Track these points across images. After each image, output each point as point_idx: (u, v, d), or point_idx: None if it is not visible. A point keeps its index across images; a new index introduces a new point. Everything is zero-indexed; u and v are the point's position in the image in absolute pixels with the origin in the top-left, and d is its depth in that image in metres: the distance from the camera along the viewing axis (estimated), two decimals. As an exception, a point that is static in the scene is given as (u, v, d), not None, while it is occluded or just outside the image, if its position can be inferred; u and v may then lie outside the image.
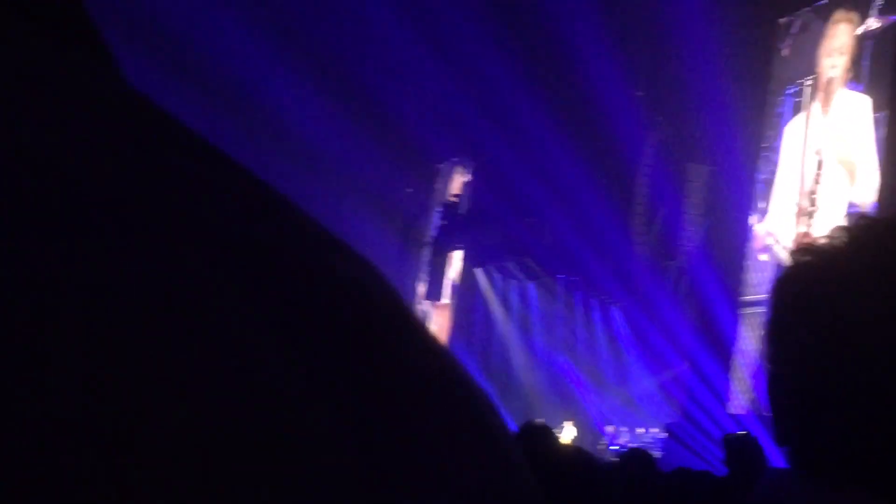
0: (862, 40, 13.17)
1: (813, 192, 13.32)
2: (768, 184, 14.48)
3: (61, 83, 0.29)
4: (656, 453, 17.35)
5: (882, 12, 12.99)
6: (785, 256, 13.64)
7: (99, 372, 0.23)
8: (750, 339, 13.78)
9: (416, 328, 0.34)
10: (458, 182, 24.81)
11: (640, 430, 19.63)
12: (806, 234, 13.32)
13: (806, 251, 1.07)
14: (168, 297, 0.25)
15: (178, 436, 0.23)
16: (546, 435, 4.44)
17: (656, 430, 18.69)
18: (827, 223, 12.97)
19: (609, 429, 19.58)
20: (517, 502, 0.30)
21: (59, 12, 0.35)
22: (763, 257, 14.21)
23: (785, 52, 14.73)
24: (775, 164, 14.39)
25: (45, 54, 0.30)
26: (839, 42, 13.46)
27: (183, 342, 0.24)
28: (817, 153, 13.41)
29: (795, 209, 13.62)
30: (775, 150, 14.46)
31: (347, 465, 0.25)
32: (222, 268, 0.27)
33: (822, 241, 1.07)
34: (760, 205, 14.48)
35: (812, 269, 1.04)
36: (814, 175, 13.38)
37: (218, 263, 0.27)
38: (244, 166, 0.32)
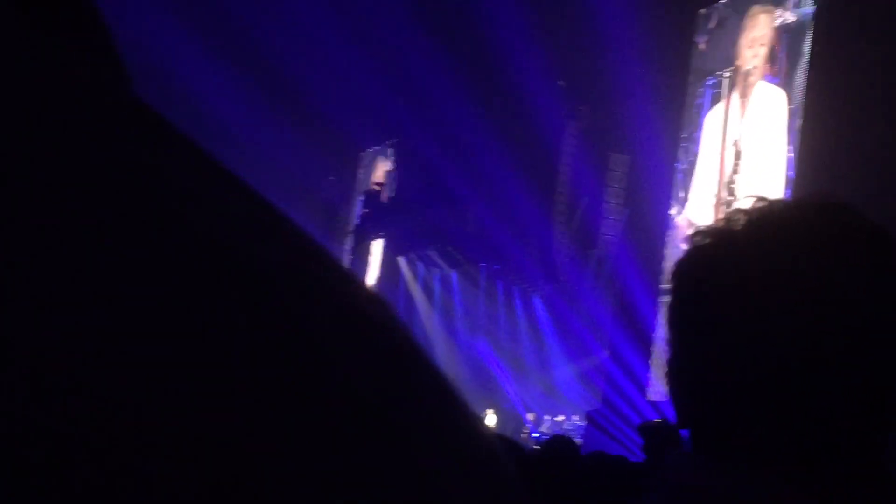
0: (779, 33, 13.38)
1: (731, 183, 13.52)
2: (688, 174, 14.65)
3: (64, 87, 0.29)
4: (577, 441, 17.55)
5: (797, 6, 13.21)
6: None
7: (93, 372, 0.24)
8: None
9: (421, 357, 0.33)
10: (380, 170, 24.78)
11: (561, 418, 19.79)
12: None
13: (705, 234, 1.06)
14: (158, 304, 0.25)
15: (175, 436, 0.24)
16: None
17: (577, 417, 18.84)
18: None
19: (530, 416, 19.71)
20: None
21: (71, 13, 0.34)
22: (683, 247, 14.37)
23: (702, 45, 14.93)
24: (695, 154, 14.57)
25: (51, 55, 0.30)
26: (758, 33, 13.67)
27: (176, 347, 0.25)
28: (735, 144, 13.62)
29: (714, 199, 13.82)
30: (695, 140, 14.64)
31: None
32: (213, 282, 0.27)
33: (721, 223, 1.06)
34: (680, 194, 14.65)
35: (711, 252, 1.04)
36: (732, 165, 13.58)
37: (207, 278, 0.27)
38: (245, 182, 0.31)
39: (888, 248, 1.01)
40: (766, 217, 1.04)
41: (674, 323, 1.07)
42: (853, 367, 0.96)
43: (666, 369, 1.08)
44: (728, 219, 1.06)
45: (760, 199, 1.07)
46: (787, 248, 1.00)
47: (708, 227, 1.08)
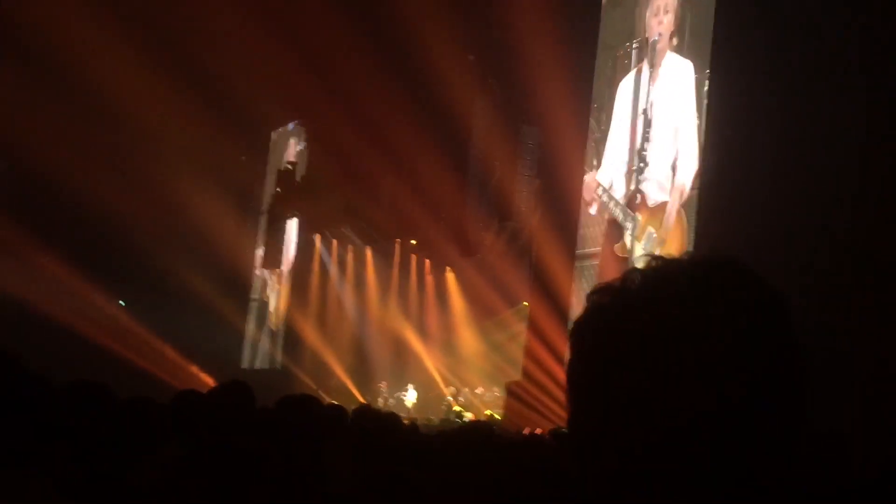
0: (683, 2, 13.55)
1: (643, 150, 13.70)
2: (598, 143, 14.80)
3: None
4: (497, 413, 17.69)
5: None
6: (617, 212, 14.05)
7: None
8: (585, 291, 14.08)
9: None
10: (292, 149, 24.62)
11: (480, 391, 19.92)
12: (636, 192, 13.70)
13: (604, 292, 1.09)
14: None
15: None
16: (384, 419, 4.43)
17: (497, 389, 18.97)
18: (655, 178, 13.39)
19: (450, 390, 19.79)
20: None
21: None
22: (592, 211, 14.55)
23: (604, 17, 15.11)
24: (605, 123, 14.72)
25: None
26: (662, 2, 13.83)
27: None
28: (645, 113, 13.80)
29: (626, 167, 13.99)
30: (605, 109, 14.79)
31: None
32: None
33: (617, 283, 1.09)
34: (593, 162, 14.80)
35: (608, 310, 1.07)
36: (643, 133, 13.76)
37: None
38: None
39: (773, 304, 1.06)
40: (659, 277, 1.08)
41: (572, 380, 1.10)
42: (740, 420, 1.01)
43: (567, 425, 1.11)
44: (625, 278, 1.09)
45: (655, 258, 1.10)
46: (677, 307, 1.04)
47: (605, 285, 1.10)
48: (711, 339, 1.03)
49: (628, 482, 1.04)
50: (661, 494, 1.03)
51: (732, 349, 1.03)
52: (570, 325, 1.14)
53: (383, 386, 21.06)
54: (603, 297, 1.09)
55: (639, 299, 1.07)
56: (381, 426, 4.19)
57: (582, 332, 1.10)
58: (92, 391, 3.54)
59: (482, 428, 4.51)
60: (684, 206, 12.62)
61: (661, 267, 1.09)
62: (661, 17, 13.80)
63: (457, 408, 18.70)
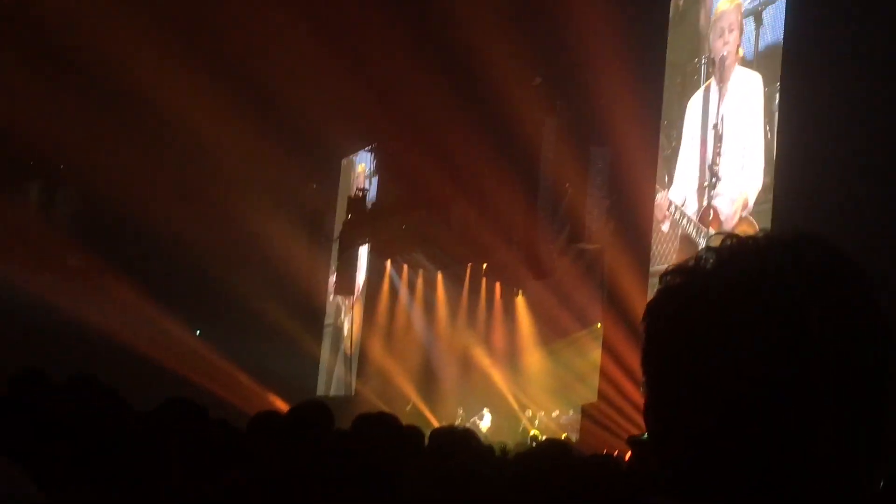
0: (749, 16, 13.46)
1: (714, 165, 13.59)
2: (669, 160, 14.71)
3: None
4: (573, 436, 17.56)
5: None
6: (690, 229, 13.93)
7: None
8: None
9: None
10: (362, 176, 24.78)
11: (556, 414, 19.79)
12: (709, 207, 13.59)
13: (676, 273, 1.07)
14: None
15: None
16: (468, 438, 4.38)
17: (572, 411, 18.85)
18: (728, 194, 13.27)
19: (526, 414, 19.68)
20: None
21: None
22: (665, 228, 14.46)
23: (670, 36, 15.04)
24: (676, 140, 14.63)
25: None
26: (728, 20, 13.76)
27: None
28: (716, 128, 13.69)
29: (697, 183, 13.89)
30: (675, 126, 14.70)
31: None
32: None
33: (691, 263, 1.07)
34: (664, 180, 14.70)
35: (682, 292, 1.05)
36: (713, 148, 13.66)
37: None
38: None
39: (856, 279, 1.03)
40: (734, 256, 1.05)
41: (648, 363, 1.08)
42: (824, 399, 0.98)
43: (643, 410, 1.09)
44: (698, 258, 1.07)
45: (730, 236, 1.08)
46: (754, 287, 1.01)
47: (678, 266, 1.09)
48: (795, 318, 1.00)
49: (699, 470, 1.02)
50: (731, 485, 1.00)
51: (817, 328, 1.00)
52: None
53: (460, 411, 21.02)
54: (676, 279, 1.07)
55: (713, 279, 1.04)
56: (460, 446, 4.14)
57: (655, 315, 1.08)
58: (185, 410, 3.59)
59: (558, 446, 4.46)
60: (754, 216, 12.51)
61: (735, 245, 1.07)
62: (725, 37, 13.75)
63: (534, 431, 18.59)
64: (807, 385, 0.99)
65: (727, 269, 1.04)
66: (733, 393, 0.99)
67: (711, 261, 1.06)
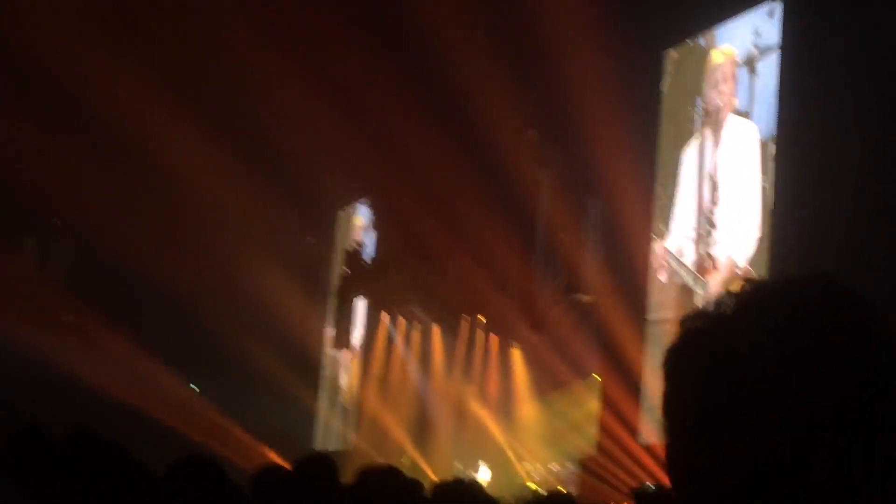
0: (743, 66, 13.56)
1: (711, 214, 13.65)
2: (664, 210, 14.76)
3: None
4: (573, 489, 17.45)
5: (757, 35, 13.36)
6: (687, 278, 13.92)
7: None
8: (657, 356, 13.90)
9: None
10: (358, 228, 24.80)
11: (555, 467, 19.66)
12: (706, 256, 13.61)
13: (696, 318, 1.07)
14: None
15: None
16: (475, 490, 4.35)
17: (570, 464, 18.74)
18: (725, 244, 13.30)
19: (523, 467, 19.57)
20: None
21: None
22: (662, 278, 14.47)
23: (665, 86, 15.14)
24: (671, 189, 14.69)
25: None
26: (722, 71, 13.86)
27: None
28: (711, 177, 13.76)
29: (694, 233, 13.92)
30: (670, 176, 14.77)
31: None
32: None
33: (711, 307, 1.07)
34: (660, 231, 14.74)
35: (705, 338, 1.05)
36: (710, 198, 13.71)
37: None
38: None
39: (870, 316, 1.03)
40: (756, 300, 1.05)
41: (670, 409, 1.07)
42: (846, 445, 0.98)
43: (665, 456, 1.08)
44: (718, 303, 1.06)
45: (748, 281, 1.08)
46: (778, 329, 1.01)
47: (699, 311, 1.08)
48: (815, 361, 0.99)
49: None
50: None
51: (838, 368, 0.99)
52: (664, 358, 1.11)
53: (457, 464, 20.90)
54: (697, 323, 1.07)
55: (738, 322, 1.03)
56: (469, 499, 4.11)
57: (677, 358, 1.07)
58: (199, 467, 3.55)
59: (565, 499, 4.45)
60: (752, 264, 12.53)
61: (754, 290, 1.06)
62: (720, 87, 13.85)
63: (532, 485, 18.48)
64: (843, 437, 0.98)
65: (751, 312, 1.04)
66: (765, 443, 0.98)
67: (733, 305, 1.05)
